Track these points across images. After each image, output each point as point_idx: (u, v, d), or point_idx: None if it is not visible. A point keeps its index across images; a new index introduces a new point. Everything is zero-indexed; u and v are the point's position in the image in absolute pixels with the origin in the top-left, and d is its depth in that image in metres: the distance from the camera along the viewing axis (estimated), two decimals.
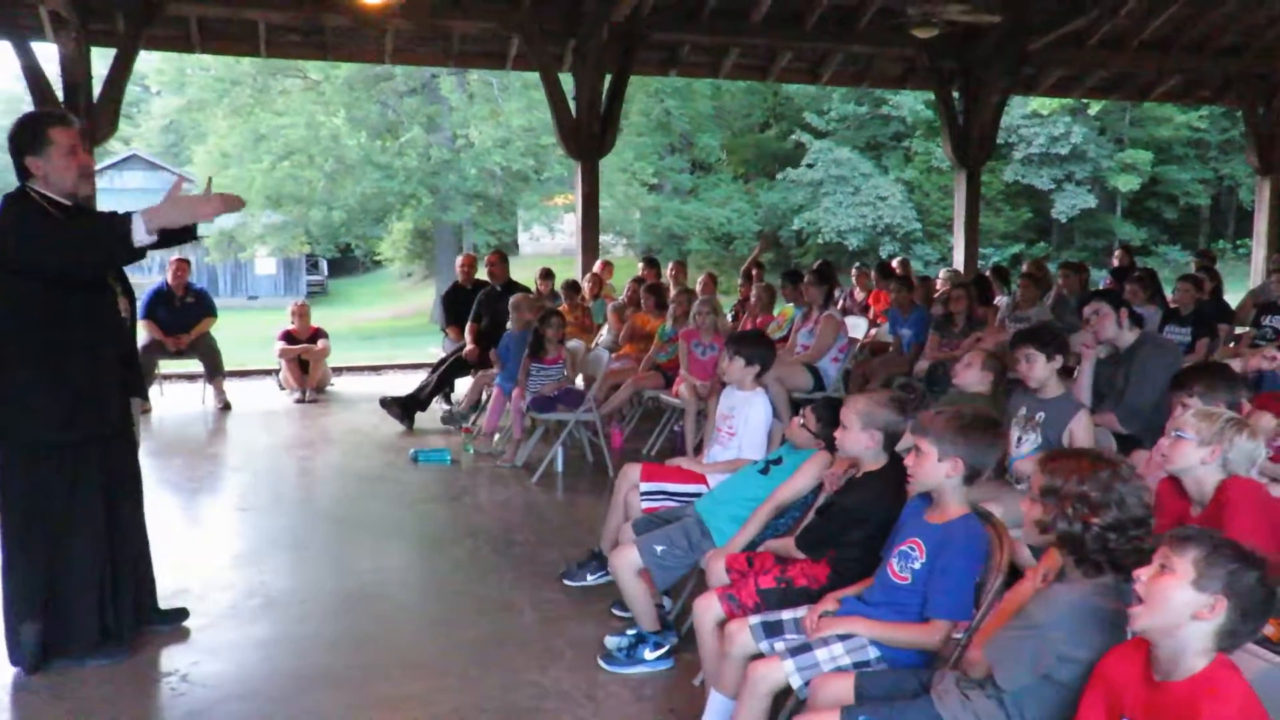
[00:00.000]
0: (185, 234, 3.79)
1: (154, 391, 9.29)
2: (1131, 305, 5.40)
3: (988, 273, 10.24)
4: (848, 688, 2.62)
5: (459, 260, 9.43)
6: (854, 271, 10.83)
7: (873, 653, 2.81)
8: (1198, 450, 3.16)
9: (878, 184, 26.41)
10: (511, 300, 7.37)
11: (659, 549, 3.78)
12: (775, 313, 8.41)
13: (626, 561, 3.79)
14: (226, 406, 9.15)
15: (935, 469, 2.84)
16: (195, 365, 9.58)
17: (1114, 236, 26.75)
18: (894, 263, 10.64)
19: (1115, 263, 10.82)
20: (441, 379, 8.41)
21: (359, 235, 27.15)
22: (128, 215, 3.44)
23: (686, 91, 28.74)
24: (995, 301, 8.93)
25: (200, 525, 5.96)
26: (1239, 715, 1.88)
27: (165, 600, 4.29)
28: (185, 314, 9.24)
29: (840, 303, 10.25)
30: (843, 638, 2.83)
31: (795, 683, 2.75)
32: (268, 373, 10.77)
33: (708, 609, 3.27)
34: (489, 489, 6.57)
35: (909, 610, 2.83)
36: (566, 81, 11.02)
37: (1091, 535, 2.29)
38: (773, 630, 3.01)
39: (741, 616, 3.15)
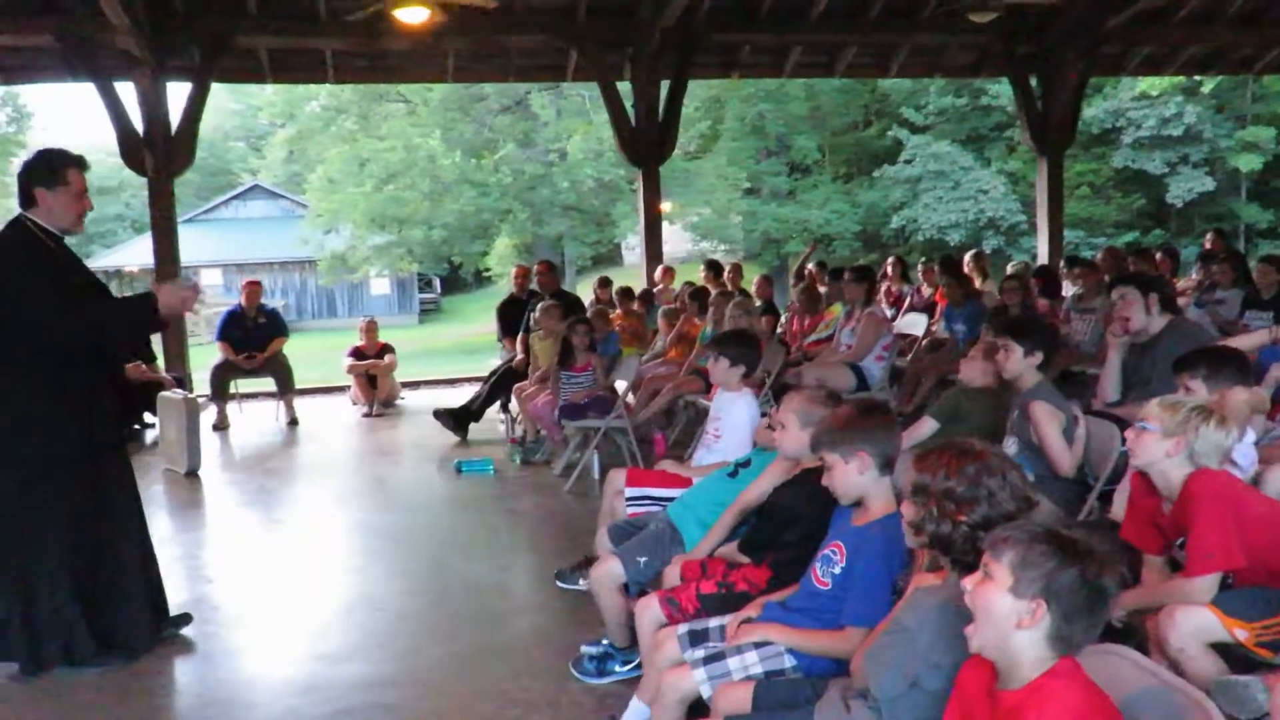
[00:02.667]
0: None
1: (231, 409, 9.68)
2: (1169, 288, 5.03)
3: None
4: (746, 697, 2.52)
5: (512, 272, 9.53)
6: (920, 267, 10.49)
7: (789, 661, 2.69)
8: (1161, 443, 2.94)
9: (979, 177, 25.54)
10: (539, 308, 7.40)
11: (642, 561, 3.70)
12: (823, 312, 8.21)
13: (607, 574, 3.70)
14: (294, 422, 9.46)
15: (846, 473, 2.71)
16: (269, 383, 9.91)
17: (1238, 220, 25.21)
18: (968, 256, 10.24)
19: (1207, 245, 10.18)
20: (493, 389, 8.50)
21: (460, 253, 27.74)
22: (150, 299, 3.86)
23: (780, 94, 28.46)
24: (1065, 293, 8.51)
25: (230, 536, 6.15)
26: None
27: (179, 608, 4.46)
28: (258, 334, 9.60)
29: (909, 299, 9.96)
30: (759, 645, 2.72)
31: (705, 692, 2.66)
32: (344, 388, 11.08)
33: (646, 611, 3.19)
34: (521, 497, 6.59)
35: (828, 616, 2.71)
36: (629, 90, 11.04)
37: (960, 534, 2.14)
38: (698, 638, 2.91)
39: (679, 622, 3.07)
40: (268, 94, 28.77)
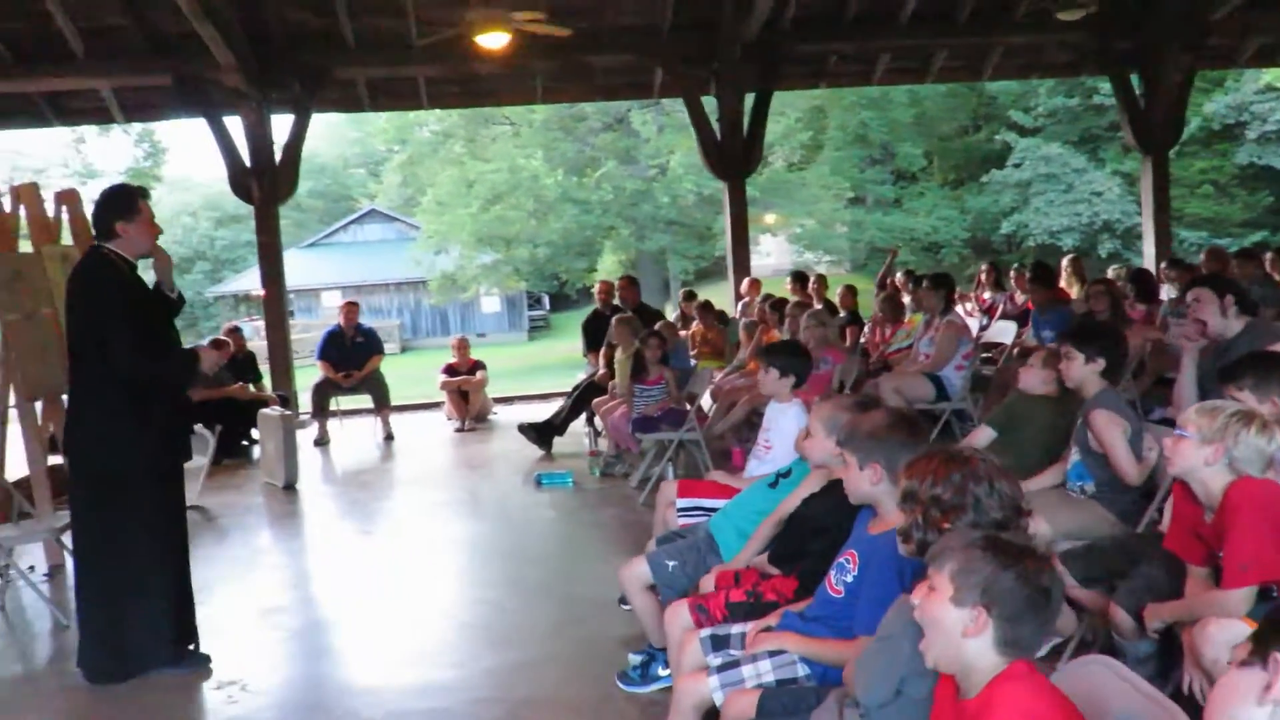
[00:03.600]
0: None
1: (333, 425, 10.09)
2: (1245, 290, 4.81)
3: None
4: (752, 703, 2.54)
5: (596, 287, 9.68)
6: (1012, 273, 10.21)
7: (802, 670, 2.69)
8: (1199, 450, 2.85)
9: (1092, 179, 24.65)
10: (614, 321, 7.50)
11: (670, 565, 3.76)
12: (905, 322, 8.10)
13: (635, 575, 3.79)
14: (390, 437, 9.79)
15: (859, 479, 2.70)
16: (369, 400, 10.26)
17: None
18: (1064, 261, 9.94)
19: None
20: (576, 403, 8.63)
21: (565, 269, 28.18)
22: (195, 355, 4.29)
23: (883, 101, 28.10)
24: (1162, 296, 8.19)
25: (320, 547, 6.41)
26: None
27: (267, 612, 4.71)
28: (355, 353, 9.98)
29: (1001, 305, 9.73)
30: (774, 654, 2.73)
31: (717, 700, 2.69)
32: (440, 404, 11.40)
33: (676, 616, 3.23)
34: (598, 509, 6.69)
35: (842, 625, 2.70)
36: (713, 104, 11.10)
37: None
38: (720, 643, 2.94)
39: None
40: (380, 122, 29.81)
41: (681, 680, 2.79)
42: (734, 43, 10.29)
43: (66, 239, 6.61)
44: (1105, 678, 1.92)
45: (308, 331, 34.28)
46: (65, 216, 6.64)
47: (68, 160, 33.77)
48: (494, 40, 8.27)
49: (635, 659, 3.86)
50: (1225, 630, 2.69)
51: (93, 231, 4.28)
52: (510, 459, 8.52)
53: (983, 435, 4.47)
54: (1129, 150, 25.38)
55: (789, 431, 4.28)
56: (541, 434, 8.56)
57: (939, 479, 2.18)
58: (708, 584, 3.49)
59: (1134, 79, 11.37)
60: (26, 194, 6.68)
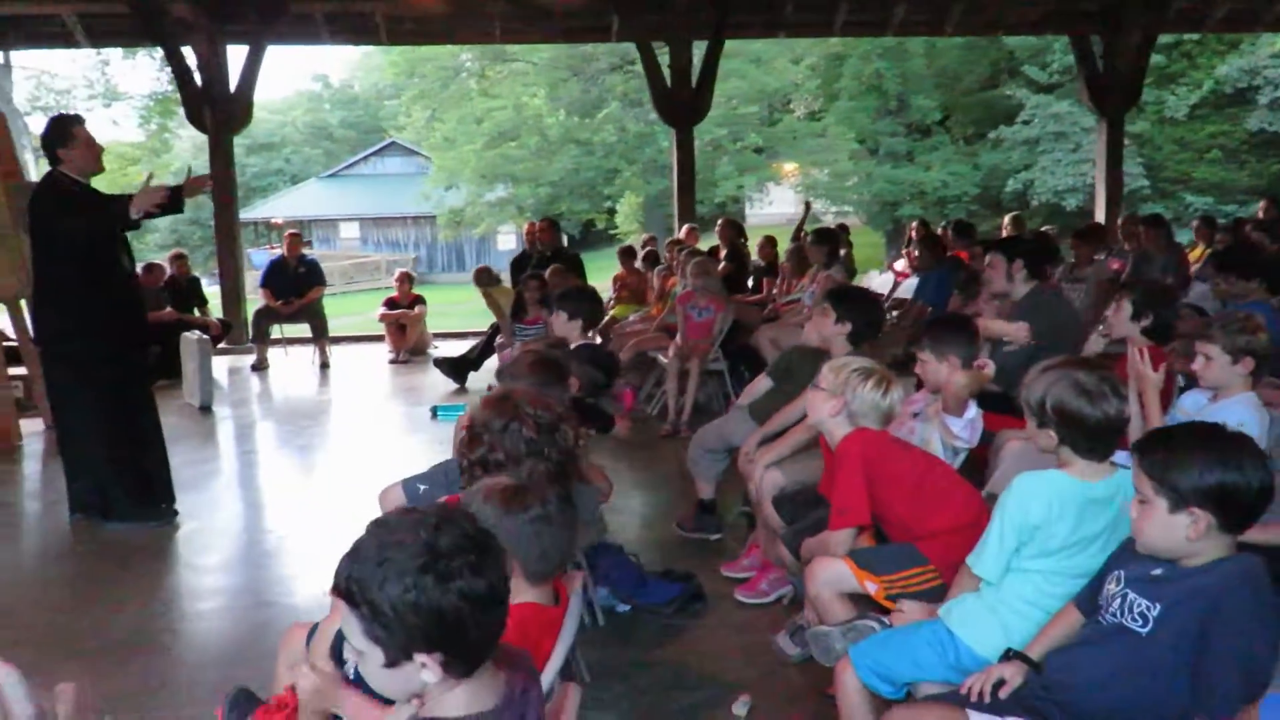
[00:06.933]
0: (171, 208, 4.99)
1: (276, 353, 10.44)
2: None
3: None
4: None
5: (525, 227, 9.86)
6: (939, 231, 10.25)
7: None
8: (826, 402, 3.04)
9: None
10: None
11: (421, 489, 3.98)
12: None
13: (391, 499, 4.01)
14: (326, 365, 10.11)
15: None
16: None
17: None
18: (1006, 219, 9.97)
19: (1260, 215, 9.57)
20: (489, 340, 8.89)
21: (568, 210, 28.26)
22: (126, 198, 4.83)
23: (899, 51, 27.65)
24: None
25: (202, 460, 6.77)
26: None
27: None
28: (298, 282, 10.26)
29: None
30: None
31: None
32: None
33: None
34: None
35: None
36: None
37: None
38: None
39: None
40: (393, 55, 29.83)
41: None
42: None
43: None
44: None
45: (326, 261, 34.81)
46: None
47: (93, 82, 34.11)
48: None
49: None
50: (828, 568, 2.92)
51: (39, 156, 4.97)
52: (424, 390, 8.82)
53: (762, 384, 4.66)
54: (1143, 111, 24.97)
55: None
56: (457, 368, 8.84)
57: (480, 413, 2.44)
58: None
59: (1095, 40, 11.26)
60: None
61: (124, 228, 5.01)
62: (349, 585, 1.45)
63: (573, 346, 4.58)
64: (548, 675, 1.90)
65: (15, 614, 4.14)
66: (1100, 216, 11.50)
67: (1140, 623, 1.93)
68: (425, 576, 1.41)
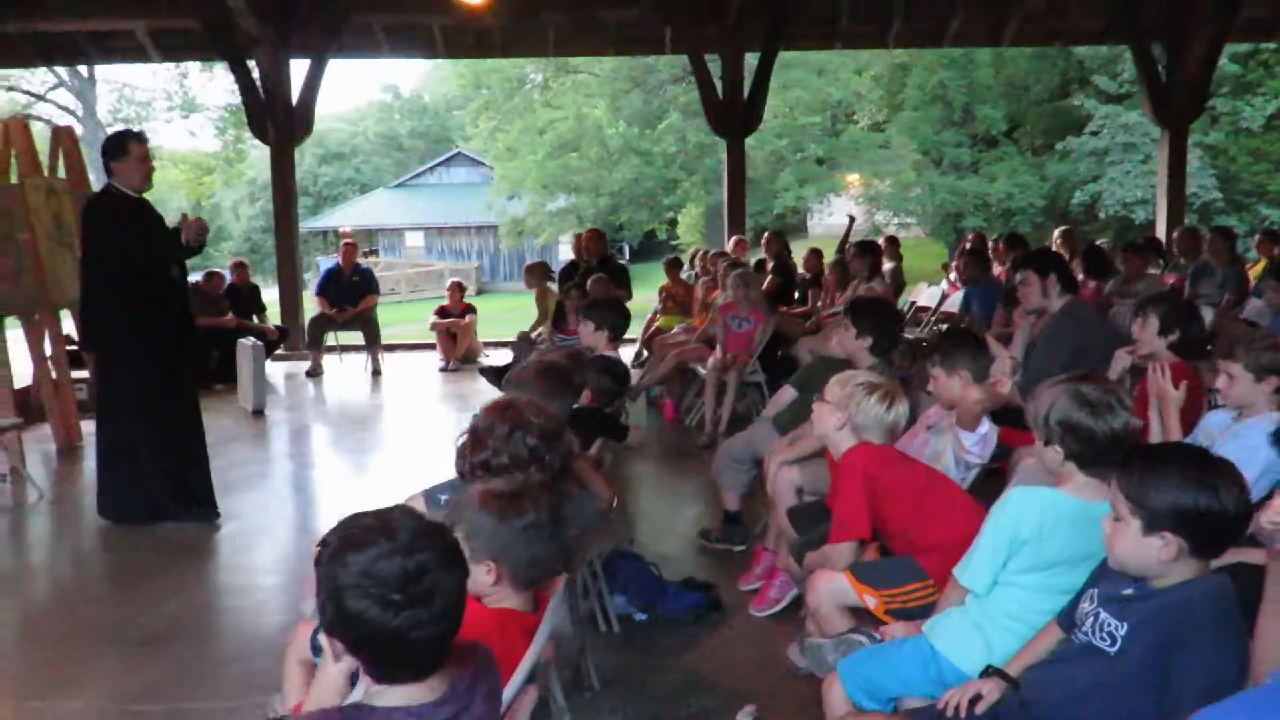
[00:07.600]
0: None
1: (331, 359, 10.68)
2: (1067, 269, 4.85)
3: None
4: None
5: (574, 238, 9.97)
6: (991, 245, 10.09)
7: None
8: (832, 415, 3.06)
9: None
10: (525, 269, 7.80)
11: (443, 499, 4.06)
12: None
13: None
14: (378, 372, 10.32)
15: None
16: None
17: None
18: (1056, 233, 9.79)
19: None
20: (524, 348, 8.98)
21: (628, 220, 28.39)
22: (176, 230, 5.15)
23: (965, 61, 27.32)
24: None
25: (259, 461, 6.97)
26: None
27: None
28: (352, 290, 10.50)
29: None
30: None
31: None
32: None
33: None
34: None
35: None
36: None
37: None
38: None
39: None
40: (460, 66, 30.29)
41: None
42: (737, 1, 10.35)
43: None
44: None
45: (391, 270, 35.47)
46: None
47: (172, 95, 35.26)
48: None
49: None
50: (829, 581, 2.93)
51: (87, 166, 5.18)
52: (472, 399, 8.95)
53: (787, 394, 4.67)
54: (1216, 121, 24.29)
55: None
56: (500, 376, 8.94)
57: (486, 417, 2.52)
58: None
59: (1159, 50, 11.03)
60: (16, 129, 7.33)
61: (176, 258, 5.24)
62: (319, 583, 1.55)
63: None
64: (515, 680, 1.94)
65: (66, 604, 4.36)
66: (1161, 229, 11.24)
67: (1108, 642, 1.92)
68: (367, 600, 1.49)
